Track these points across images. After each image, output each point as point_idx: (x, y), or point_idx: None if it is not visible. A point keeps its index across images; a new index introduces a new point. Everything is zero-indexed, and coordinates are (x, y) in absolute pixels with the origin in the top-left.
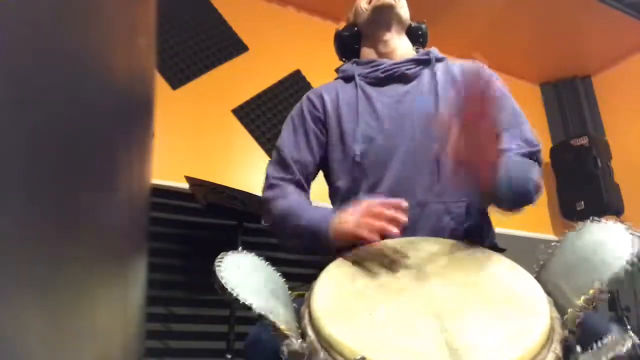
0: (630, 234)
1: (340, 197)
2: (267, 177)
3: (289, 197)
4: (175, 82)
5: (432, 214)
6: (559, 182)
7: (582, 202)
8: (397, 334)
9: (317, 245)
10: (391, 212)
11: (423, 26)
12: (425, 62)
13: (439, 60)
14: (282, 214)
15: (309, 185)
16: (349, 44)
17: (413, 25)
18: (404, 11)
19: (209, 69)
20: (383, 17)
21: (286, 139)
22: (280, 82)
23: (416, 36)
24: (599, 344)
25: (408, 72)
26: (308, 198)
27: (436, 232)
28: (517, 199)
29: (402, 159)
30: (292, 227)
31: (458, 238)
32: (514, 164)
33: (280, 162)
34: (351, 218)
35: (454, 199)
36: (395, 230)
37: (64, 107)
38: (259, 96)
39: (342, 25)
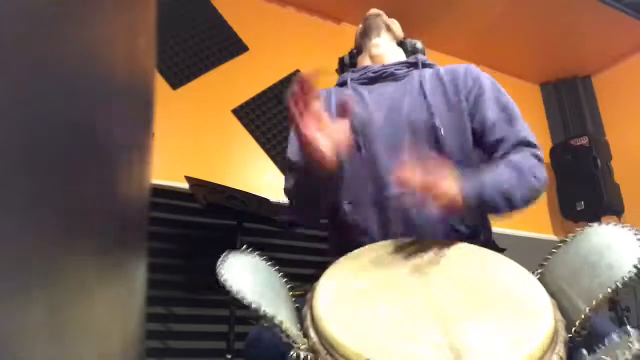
0: (637, 238)
1: None
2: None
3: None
4: (175, 82)
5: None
6: (559, 182)
7: (582, 202)
8: (400, 336)
9: (315, 179)
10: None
11: (419, 43)
12: (413, 65)
13: (427, 65)
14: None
15: None
16: (348, 62)
17: (407, 40)
18: (395, 27)
19: (209, 69)
20: (372, 22)
21: (290, 143)
22: (280, 82)
23: (413, 53)
24: (603, 347)
25: (397, 72)
26: None
27: (434, 225)
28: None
29: (390, 154)
30: (296, 189)
31: (456, 233)
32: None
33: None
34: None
35: None
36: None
37: (63, 107)
38: (259, 96)
39: (342, 26)
